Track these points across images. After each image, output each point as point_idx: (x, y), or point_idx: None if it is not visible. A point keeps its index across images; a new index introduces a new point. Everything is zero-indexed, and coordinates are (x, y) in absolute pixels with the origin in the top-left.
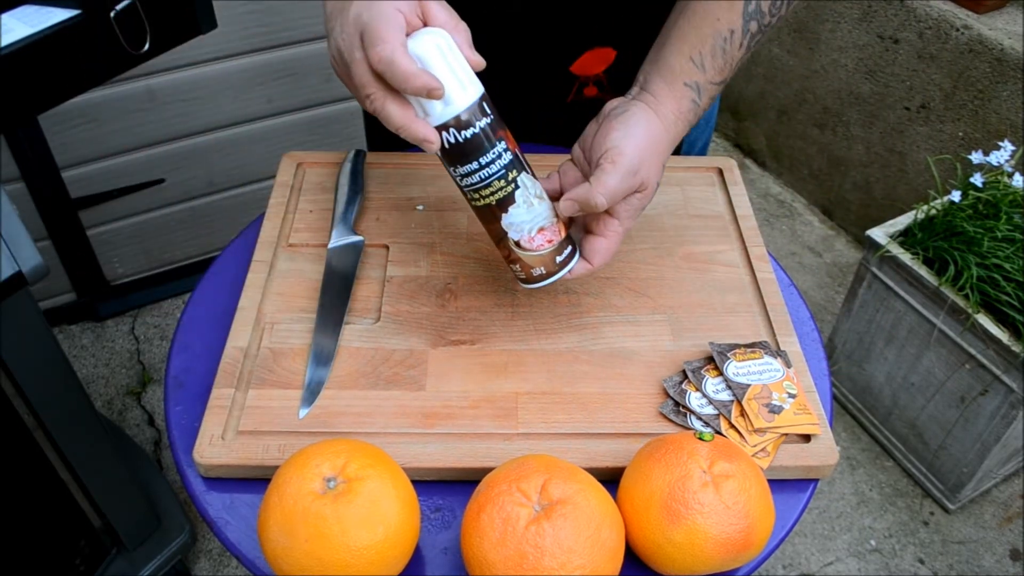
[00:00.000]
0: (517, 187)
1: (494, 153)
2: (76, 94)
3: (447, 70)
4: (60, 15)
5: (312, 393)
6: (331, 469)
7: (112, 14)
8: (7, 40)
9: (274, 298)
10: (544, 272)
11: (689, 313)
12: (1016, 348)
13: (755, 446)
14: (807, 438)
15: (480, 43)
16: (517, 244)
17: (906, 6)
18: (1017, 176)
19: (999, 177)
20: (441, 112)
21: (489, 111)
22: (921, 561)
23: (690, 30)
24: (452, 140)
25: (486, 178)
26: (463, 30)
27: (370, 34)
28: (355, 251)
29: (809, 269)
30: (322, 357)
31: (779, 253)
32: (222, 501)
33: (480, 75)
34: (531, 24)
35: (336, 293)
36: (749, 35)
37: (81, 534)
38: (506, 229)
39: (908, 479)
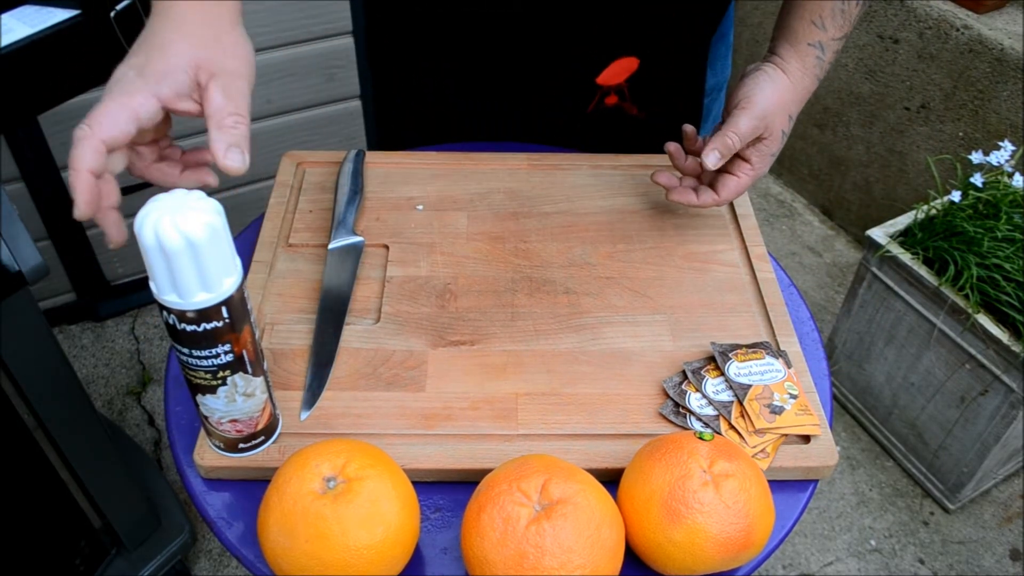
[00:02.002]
0: (224, 384)
1: (210, 352)
2: (76, 94)
3: (192, 268)
4: (60, 15)
5: (313, 395)
6: (331, 469)
7: (112, 14)
8: (7, 40)
9: (274, 299)
10: (222, 447)
11: (689, 313)
12: (1016, 348)
13: (755, 447)
14: (807, 439)
15: (507, 54)
16: (206, 418)
17: (906, 6)
18: (1017, 176)
19: (999, 177)
20: (170, 299)
21: (227, 315)
22: (921, 561)
23: None
24: (171, 323)
25: (194, 366)
26: (229, 126)
27: (91, 114)
28: (355, 252)
29: (809, 269)
30: (323, 359)
31: (779, 253)
32: (222, 501)
33: (505, 86)
34: (558, 35)
35: (336, 295)
36: None
37: (81, 534)
38: (199, 404)
39: (908, 479)
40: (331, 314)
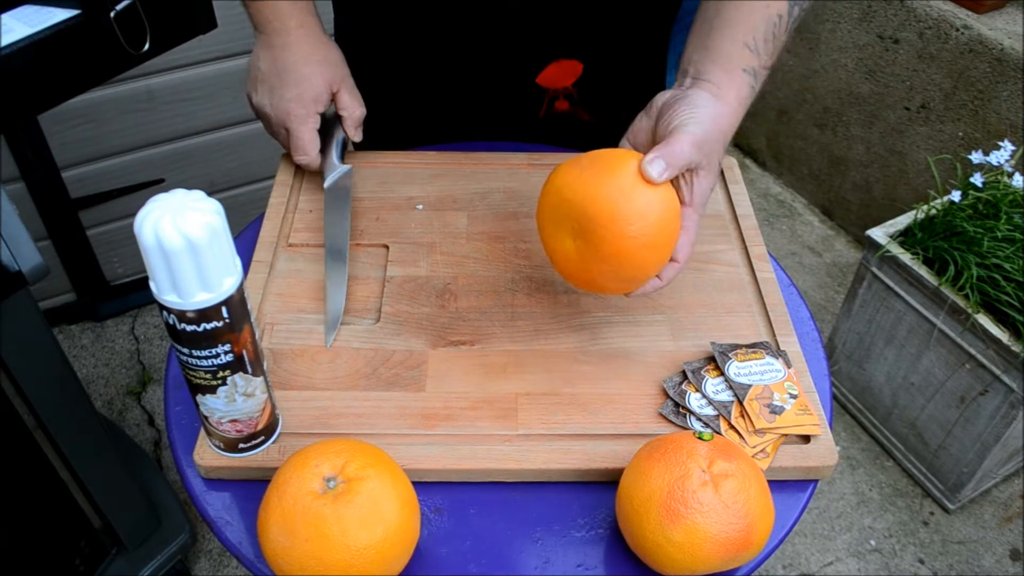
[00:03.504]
0: (224, 384)
1: (210, 352)
2: (76, 94)
3: (192, 268)
4: (60, 15)
5: (335, 320)
6: (331, 469)
7: (112, 14)
8: (7, 40)
9: (274, 299)
10: (222, 447)
11: (689, 313)
12: (1016, 348)
13: (755, 447)
14: (807, 439)
15: (445, 52)
16: (206, 418)
17: (906, 6)
18: (1017, 176)
19: (999, 177)
20: (170, 299)
21: (227, 315)
22: (921, 561)
23: (739, 16)
24: (171, 323)
25: (194, 366)
26: (357, 116)
27: (294, 142)
28: (348, 177)
29: (809, 269)
30: (337, 283)
31: (779, 253)
32: (222, 501)
33: (451, 87)
34: (494, 34)
35: (337, 220)
36: (792, 19)
37: (81, 534)
38: (199, 404)
39: (908, 479)
40: (337, 239)
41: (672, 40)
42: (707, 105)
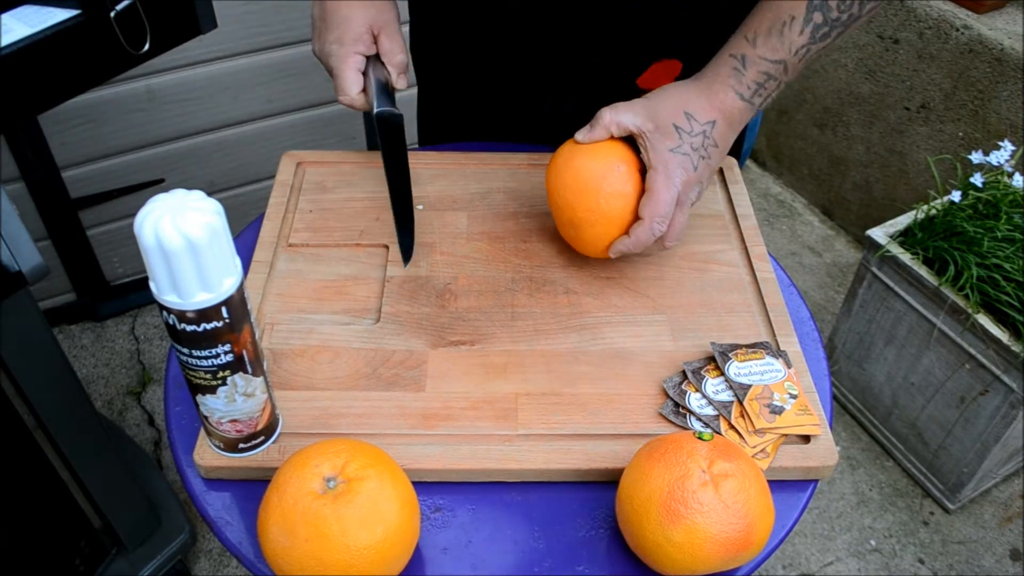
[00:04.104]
0: (224, 384)
1: (210, 352)
2: (76, 94)
3: (192, 268)
4: (60, 15)
5: (408, 249)
6: (331, 469)
7: (112, 14)
8: (7, 40)
9: (273, 299)
10: (222, 447)
11: (689, 313)
12: (1016, 348)
13: (755, 447)
14: (807, 439)
15: (549, 53)
16: (206, 418)
17: (906, 6)
18: (1017, 176)
19: (999, 177)
20: (170, 299)
21: (227, 315)
22: (921, 561)
23: (754, 16)
24: (171, 323)
25: (194, 366)
26: (398, 62)
27: (336, 83)
28: (397, 118)
29: (809, 269)
30: (405, 221)
31: (779, 253)
32: (222, 501)
33: (549, 86)
34: (598, 37)
35: (400, 173)
36: (812, 24)
37: (81, 534)
38: (199, 404)
39: (908, 479)
40: (397, 173)
41: None
42: (670, 86)
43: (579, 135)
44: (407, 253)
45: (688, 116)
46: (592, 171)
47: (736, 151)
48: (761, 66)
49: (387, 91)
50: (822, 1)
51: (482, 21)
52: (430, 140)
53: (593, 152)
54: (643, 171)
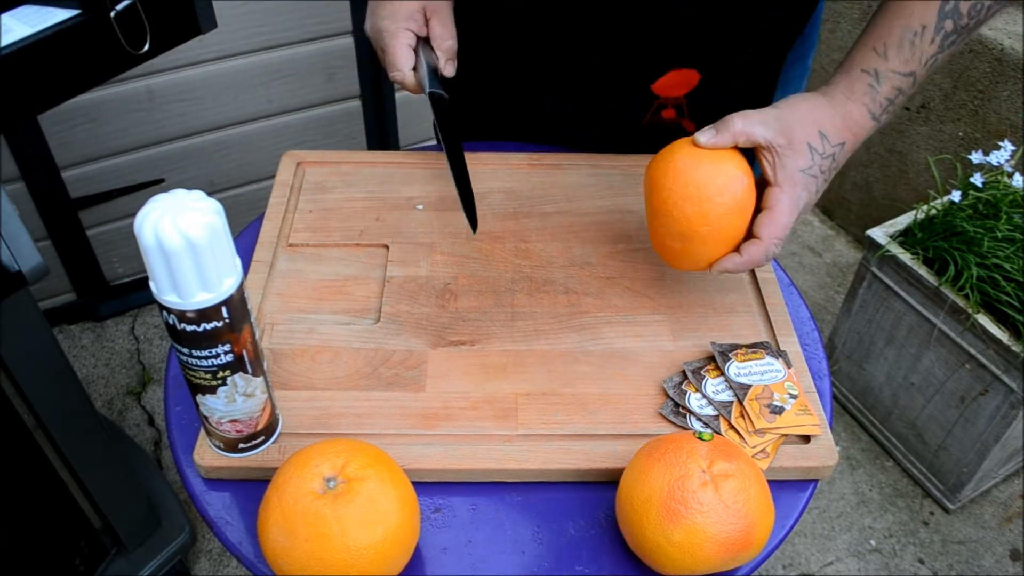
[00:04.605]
0: (224, 384)
1: (210, 352)
2: (76, 94)
3: (192, 268)
4: (60, 15)
5: (472, 218)
6: (331, 469)
7: (112, 14)
8: (7, 40)
9: (274, 299)
10: (222, 447)
11: (689, 313)
12: (1016, 348)
13: (754, 447)
14: (807, 439)
15: (566, 55)
16: (206, 418)
17: None
18: (1017, 176)
19: (999, 177)
20: (170, 299)
21: (227, 315)
22: (921, 561)
23: (880, 24)
24: (171, 323)
25: (194, 366)
26: (447, 48)
27: (388, 58)
28: (444, 99)
29: (809, 269)
30: (463, 183)
31: (779, 253)
32: (222, 501)
33: (549, 86)
34: (616, 39)
35: (454, 149)
36: (943, 33)
37: (81, 534)
38: (199, 404)
39: (908, 479)
40: (454, 150)
41: (785, 62)
42: (800, 97)
43: (701, 137)
44: (473, 223)
45: (823, 136)
46: (718, 184)
47: None
48: (894, 80)
49: (437, 74)
50: (954, 8)
51: (483, 21)
52: (379, 145)
53: (717, 161)
54: (760, 186)
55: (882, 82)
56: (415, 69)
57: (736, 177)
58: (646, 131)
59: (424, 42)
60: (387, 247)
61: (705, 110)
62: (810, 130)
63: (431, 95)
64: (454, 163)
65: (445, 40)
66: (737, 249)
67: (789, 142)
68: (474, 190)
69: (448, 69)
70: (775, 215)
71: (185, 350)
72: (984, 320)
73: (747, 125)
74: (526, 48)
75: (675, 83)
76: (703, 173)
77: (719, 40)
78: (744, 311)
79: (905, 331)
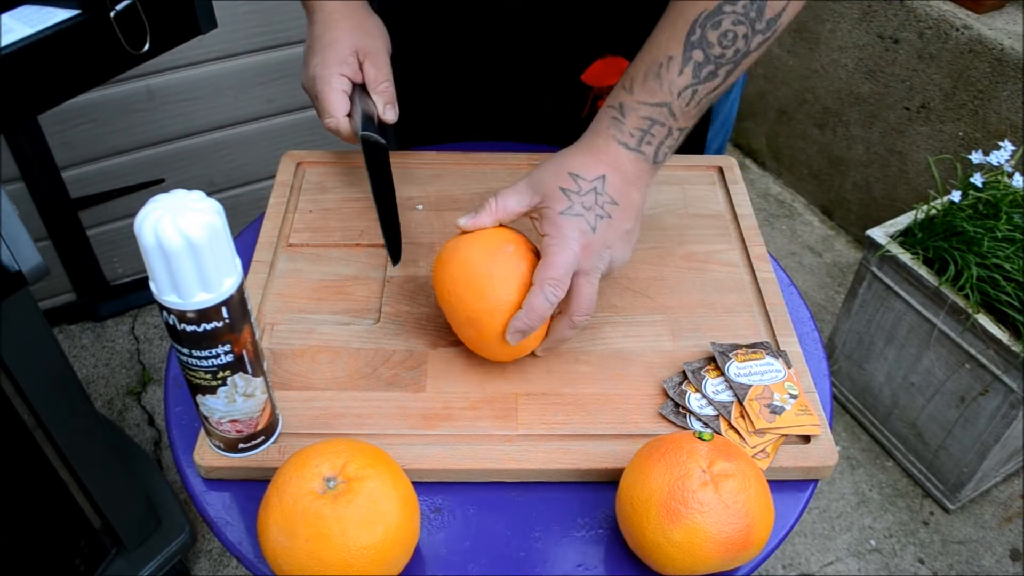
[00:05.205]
0: (224, 384)
1: (210, 352)
2: (76, 94)
3: (192, 268)
4: (60, 15)
5: (396, 250)
6: (331, 469)
7: (112, 14)
8: (7, 40)
9: (274, 299)
10: (222, 447)
11: (689, 313)
12: (1016, 348)
13: (755, 447)
14: (807, 439)
15: (489, 52)
16: (206, 419)
17: (906, 6)
18: (1017, 176)
19: (999, 177)
20: (170, 299)
21: (227, 315)
22: (921, 561)
23: (633, 64)
24: (171, 323)
25: (194, 366)
26: (383, 91)
27: (321, 106)
28: (380, 144)
29: (809, 269)
30: (391, 232)
31: (779, 253)
32: (222, 501)
33: (495, 88)
34: (538, 30)
35: (384, 194)
36: (693, 63)
37: (81, 534)
38: (199, 404)
39: (908, 479)
40: (382, 194)
41: None
42: (552, 156)
43: (461, 221)
44: (395, 256)
45: (574, 176)
46: (478, 259)
47: (699, 142)
48: (641, 111)
49: (372, 120)
50: (701, 38)
51: (483, 21)
52: (429, 140)
53: (476, 239)
54: (539, 253)
55: (627, 113)
56: (350, 115)
57: (498, 246)
58: (587, 124)
59: (360, 88)
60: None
61: None
62: (559, 175)
63: (364, 138)
64: (383, 206)
65: (380, 83)
66: None
67: (543, 196)
68: (474, 190)
69: (389, 114)
70: (544, 258)
71: (185, 350)
72: (984, 320)
73: (501, 200)
74: (525, 49)
75: (605, 72)
76: (466, 254)
77: (641, 25)
78: (744, 311)
79: (905, 331)
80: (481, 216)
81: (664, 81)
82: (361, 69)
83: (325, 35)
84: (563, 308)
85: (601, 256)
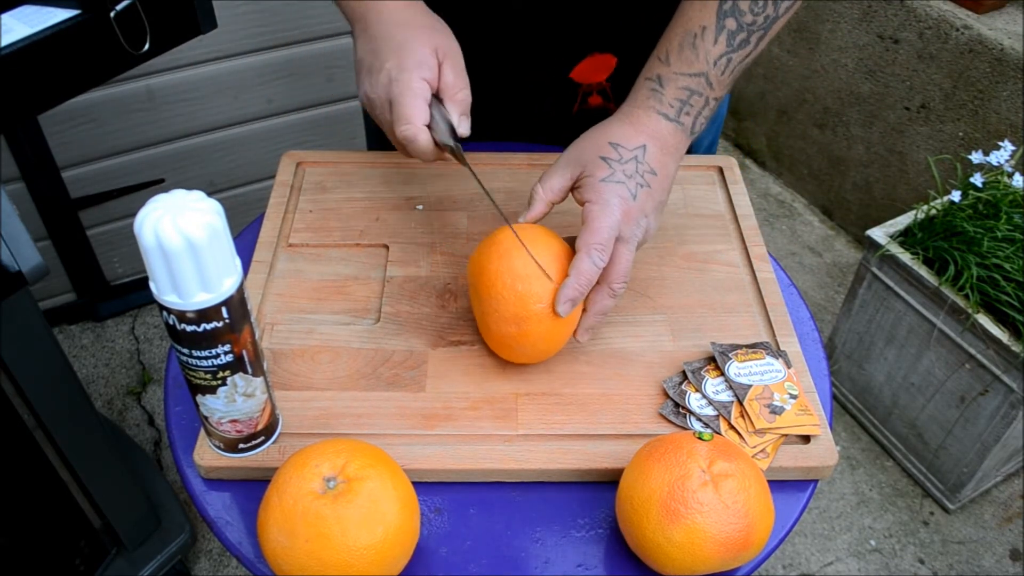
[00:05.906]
0: (224, 384)
1: (210, 352)
2: (76, 94)
3: (192, 268)
4: (60, 15)
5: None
6: (331, 469)
7: (112, 14)
8: (7, 40)
9: (274, 299)
10: (222, 447)
11: (689, 313)
12: (1016, 348)
13: (755, 447)
14: (807, 439)
15: (478, 49)
16: (206, 419)
17: (906, 6)
18: (1017, 176)
19: (999, 177)
20: (170, 299)
21: (227, 315)
22: (921, 561)
23: (666, 35)
24: (172, 324)
25: (194, 366)
26: (461, 99)
27: (397, 111)
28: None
29: (809, 269)
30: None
31: (779, 253)
32: (222, 501)
33: (484, 86)
34: (527, 29)
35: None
36: (726, 32)
37: (81, 534)
38: (199, 404)
39: (908, 479)
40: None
41: None
42: (594, 127)
43: (521, 219)
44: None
45: (614, 146)
46: (534, 259)
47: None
48: (679, 82)
49: (454, 132)
50: (732, 6)
51: (483, 21)
52: (379, 145)
53: (526, 238)
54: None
55: (665, 84)
56: (429, 126)
57: (546, 243)
58: (578, 120)
59: (434, 98)
60: (387, 247)
61: (629, 91)
62: (599, 145)
63: (454, 151)
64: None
65: (459, 90)
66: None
67: (584, 166)
68: (474, 190)
69: (463, 127)
70: (588, 224)
71: (185, 350)
72: (984, 320)
73: (545, 183)
74: (525, 49)
75: (593, 69)
76: (523, 253)
77: (629, 22)
78: (744, 311)
79: (905, 331)
80: (535, 206)
81: (700, 51)
82: (439, 71)
83: (395, 36)
84: (601, 278)
85: (639, 224)
